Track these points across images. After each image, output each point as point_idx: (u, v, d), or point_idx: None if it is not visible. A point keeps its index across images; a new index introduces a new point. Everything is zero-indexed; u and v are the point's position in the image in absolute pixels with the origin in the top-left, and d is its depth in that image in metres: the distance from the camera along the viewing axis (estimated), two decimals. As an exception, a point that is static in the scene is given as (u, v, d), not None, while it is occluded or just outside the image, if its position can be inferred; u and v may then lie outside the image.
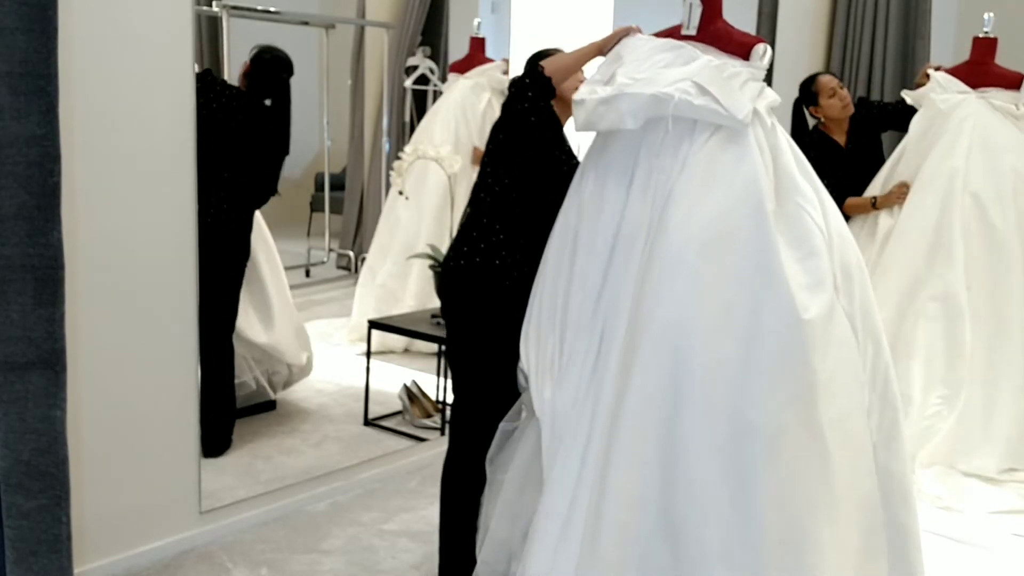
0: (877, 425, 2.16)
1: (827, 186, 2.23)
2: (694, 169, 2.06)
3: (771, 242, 2.01)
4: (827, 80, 3.90)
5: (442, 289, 2.45)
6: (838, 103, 3.87)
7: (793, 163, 2.17)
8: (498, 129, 2.38)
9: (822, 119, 3.96)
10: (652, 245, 2.05)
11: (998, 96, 3.74)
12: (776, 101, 2.22)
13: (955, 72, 3.84)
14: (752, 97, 2.13)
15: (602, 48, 2.29)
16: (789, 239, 2.06)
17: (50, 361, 1.86)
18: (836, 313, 2.08)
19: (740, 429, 1.95)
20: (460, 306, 2.40)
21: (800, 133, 3.99)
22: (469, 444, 2.41)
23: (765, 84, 2.21)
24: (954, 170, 3.63)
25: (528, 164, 2.36)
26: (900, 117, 3.94)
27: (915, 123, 3.83)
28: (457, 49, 4.34)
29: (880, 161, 4.04)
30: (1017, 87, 3.72)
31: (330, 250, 4.48)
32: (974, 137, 3.65)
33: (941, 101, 3.74)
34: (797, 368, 1.98)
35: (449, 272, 2.41)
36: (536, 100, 2.28)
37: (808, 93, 3.96)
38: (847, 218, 3.74)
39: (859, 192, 3.95)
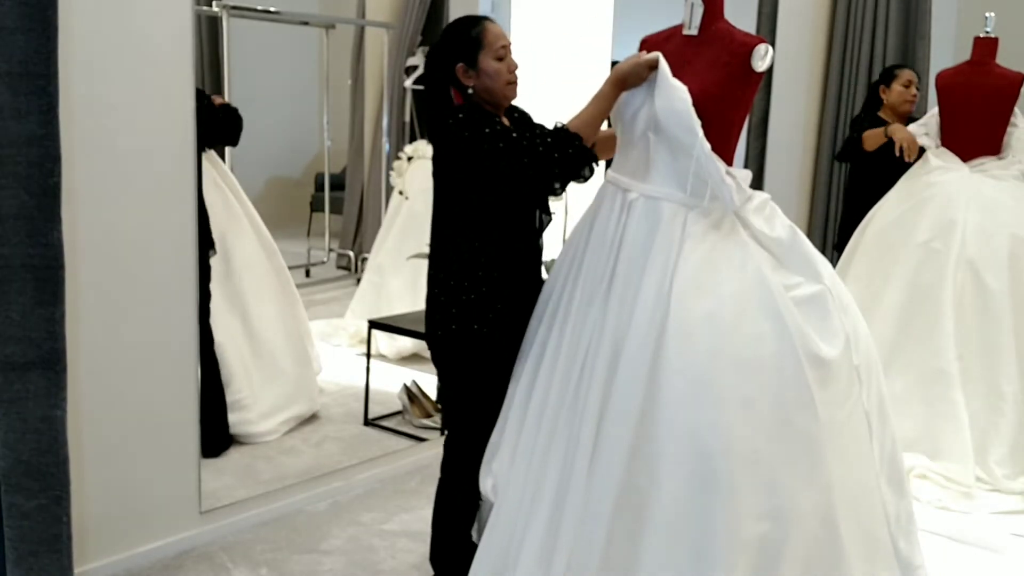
0: (895, 517, 2.22)
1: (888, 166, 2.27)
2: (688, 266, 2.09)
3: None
4: (910, 73, 4.12)
5: (433, 355, 2.37)
6: (906, 94, 4.08)
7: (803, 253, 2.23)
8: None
9: (885, 102, 4.15)
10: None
11: (988, 164, 3.74)
12: (766, 199, 2.27)
13: (956, 72, 3.84)
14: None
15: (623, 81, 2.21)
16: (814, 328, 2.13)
17: (50, 361, 1.86)
18: (856, 411, 2.15)
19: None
20: (451, 373, 2.34)
21: (870, 111, 4.21)
22: (464, 466, 2.37)
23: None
24: (949, 238, 3.60)
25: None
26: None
27: (901, 184, 3.86)
28: (457, 49, 4.35)
29: None
30: (1018, 87, 3.71)
31: (330, 250, 4.48)
32: (970, 203, 3.62)
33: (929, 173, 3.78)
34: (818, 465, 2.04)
35: (435, 340, 2.31)
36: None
37: (889, 73, 4.19)
38: (865, 153, 3.97)
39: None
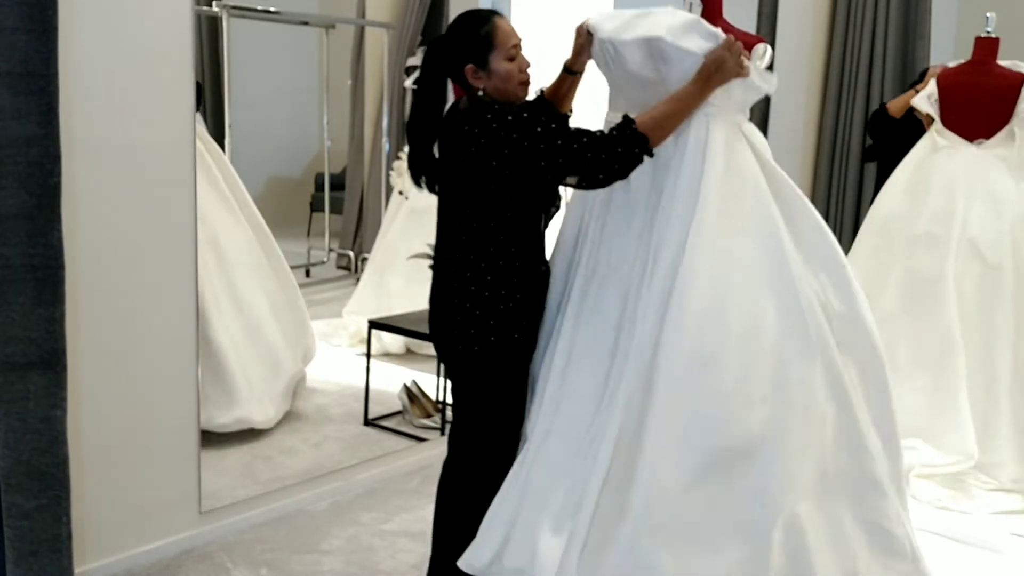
0: (896, 488, 2.24)
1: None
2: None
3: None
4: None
5: (457, 369, 2.25)
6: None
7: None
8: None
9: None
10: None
11: (991, 145, 3.74)
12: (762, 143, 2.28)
13: (957, 72, 3.84)
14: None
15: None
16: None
17: (50, 361, 1.86)
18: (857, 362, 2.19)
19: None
20: (481, 385, 2.23)
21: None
22: (473, 462, 2.34)
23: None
24: (950, 219, 3.60)
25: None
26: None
27: (910, 157, 3.85)
28: (457, 49, 4.35)
29: None
30: (1018, 87, 3.71)
31: (330, 250, 4.49)
32: (973, 188, 3.62)
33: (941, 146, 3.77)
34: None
35: (467, 355, 2.18)
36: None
37: (925, 75, 4.15)
38: (893, 121, 4.00)
39: None
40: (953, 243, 3.57)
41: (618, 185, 2.12)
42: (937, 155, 3.76)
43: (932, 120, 3.83)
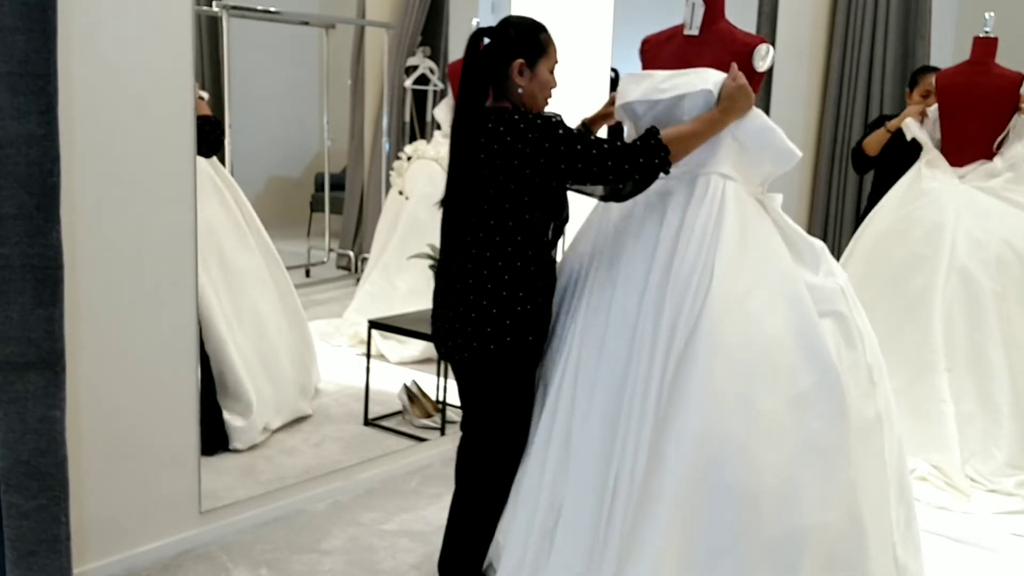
0: (895, 521, 2.22)
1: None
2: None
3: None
4: (930, 83, 3.98)
5: (467, 371, 2.28)
6: (920, 105, 3.97)
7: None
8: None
9: (909, 105, 4.10)
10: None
11: (976, 172, 3.74)
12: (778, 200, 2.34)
13: (956, 72, 3.84)
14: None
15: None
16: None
17: (50, 361, 1.86)
18: (877, 415, 2.17)
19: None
20: (492, 387, 2.26)
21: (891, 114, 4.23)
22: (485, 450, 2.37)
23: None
24: (939, 245, 3.59)
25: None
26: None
27: (899, 185, 3.86)
28: (457, 49, 4.35)
29: None
30: (1017, 87, 3.72)
31: (330, 250, 4.49)
32: (961, 211, 3.63)
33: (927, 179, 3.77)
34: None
35: (481, 355, 2.19)
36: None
37: (913, 79, 4.15)
38: (870, 159, 4.03)
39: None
40: (943, 266, 3.55)
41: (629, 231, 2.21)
42: (923, 181, 3.76)
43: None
